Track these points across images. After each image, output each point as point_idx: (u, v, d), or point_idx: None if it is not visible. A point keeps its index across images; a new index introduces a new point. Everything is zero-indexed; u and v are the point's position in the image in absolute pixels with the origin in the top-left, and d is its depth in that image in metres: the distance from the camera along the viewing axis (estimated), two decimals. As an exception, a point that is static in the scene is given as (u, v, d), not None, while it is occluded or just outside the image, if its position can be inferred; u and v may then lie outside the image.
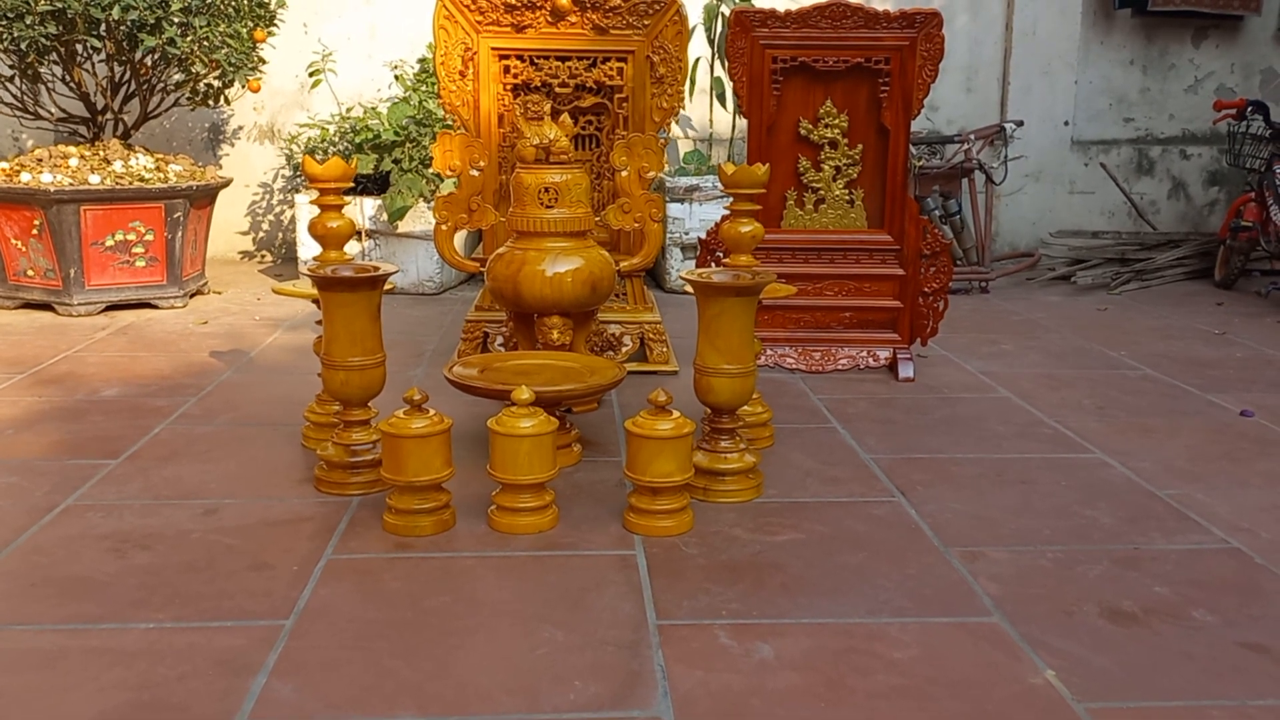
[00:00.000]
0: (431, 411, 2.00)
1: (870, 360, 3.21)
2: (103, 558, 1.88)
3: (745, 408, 2.36)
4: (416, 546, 1.94)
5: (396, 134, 4.25)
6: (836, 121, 3.12)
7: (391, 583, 1.80)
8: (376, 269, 2.16)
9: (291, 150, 4.94)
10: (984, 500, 2.20)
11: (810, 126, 3.13)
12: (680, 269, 4.59)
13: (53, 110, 4.26)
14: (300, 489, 2.22)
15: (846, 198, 3.17)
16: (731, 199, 2.54)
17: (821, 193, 3.18)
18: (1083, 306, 4.38)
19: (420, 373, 3.20)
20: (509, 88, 3.17)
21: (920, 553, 1.94)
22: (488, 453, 2.41)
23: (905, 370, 3.14)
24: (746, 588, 1.79)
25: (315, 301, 2.43)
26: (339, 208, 2.44)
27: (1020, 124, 4.86)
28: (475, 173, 2.77)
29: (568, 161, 2.65)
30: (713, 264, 3.18)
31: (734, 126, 4.86)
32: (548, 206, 2.60)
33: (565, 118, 2.75)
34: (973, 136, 4.68)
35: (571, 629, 1.64)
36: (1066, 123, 5.37)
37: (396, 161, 4.27)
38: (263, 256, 5.37)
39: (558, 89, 3.17)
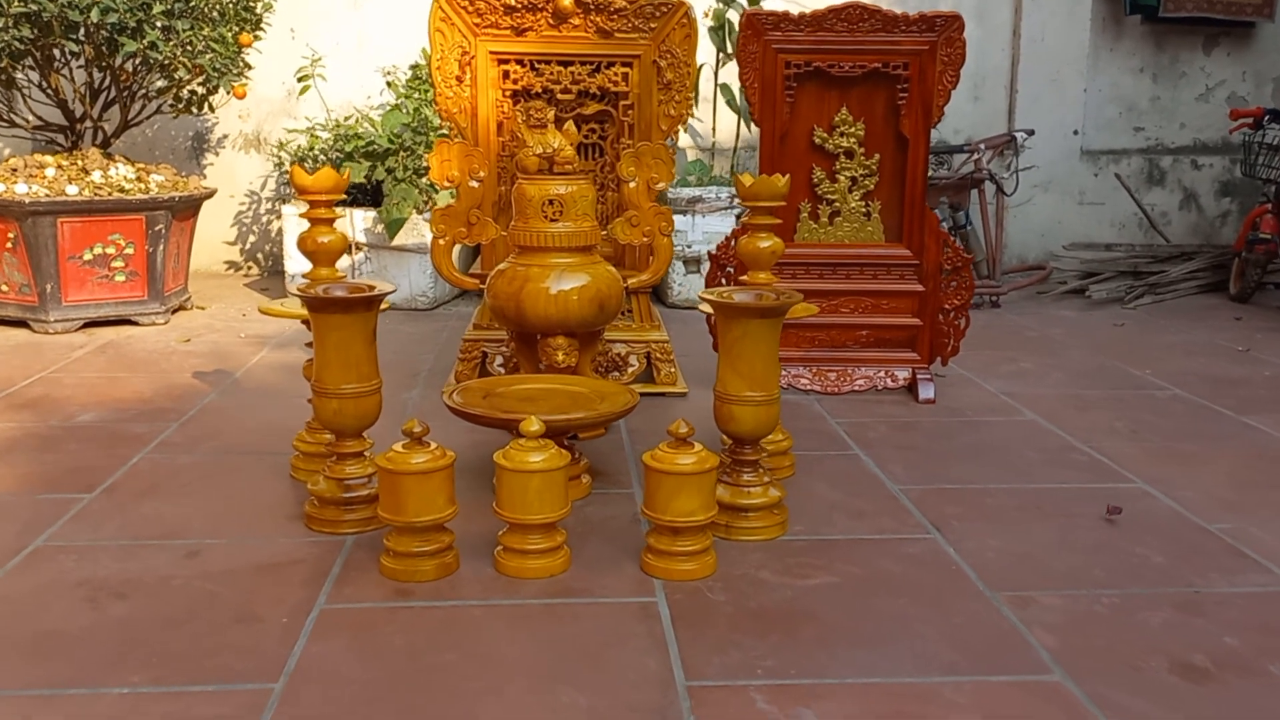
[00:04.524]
0: (433, 445, 1.84)
1: (888, 381, 3.06)
2: (75, 609, 1.71)
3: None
4: (417, 593, 1.78)
5: (390, 142, 4.09)
6: (852, 130, 2.98)
7: (392, 636, 1.64)
8: (372, 288, 2.01)
9: (280, 157, 4.77)
10: (1025, 536, 2.05)
11: (825, 135, 2.99)
12: (682, 283, 4.45)
13: (29, 118, 4.08)
14: (290, 527, 2.06)
15: (863, 210, 3.03)
16: (746, 211, 2.39)
17: (837, 205, 3.03)
18: (1098, 321, 4.24)
19: (416, 395, 3.04)
20: (508, 94, 3.02)
21: (964, 598, 1.78)
22: (491, 484, 2.26)
23: (925, 391, 2.99)
24: (780, 640, 1.63)
25: (305, 322, 2.27)
26: (330, 221, 2.28)
27: (1031, 133, 4.73)
28: (475, 184, 2.62)
29: (573, 172, 2.50)
30: (723, 280, 3.03)
31: (738, 135, 4.72)
32: (552, 220, 2.45)
33: (570, 125, 2.60)
34: (982, 146, 4.55)
35: (593, 691, 1.49)
36: (1076, 132, 5.24)
37: (390, 171, 4.11)
38: (249, 269, 5.20)
39: (559, 95, 3.02)
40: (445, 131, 4.13)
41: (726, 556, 1.92)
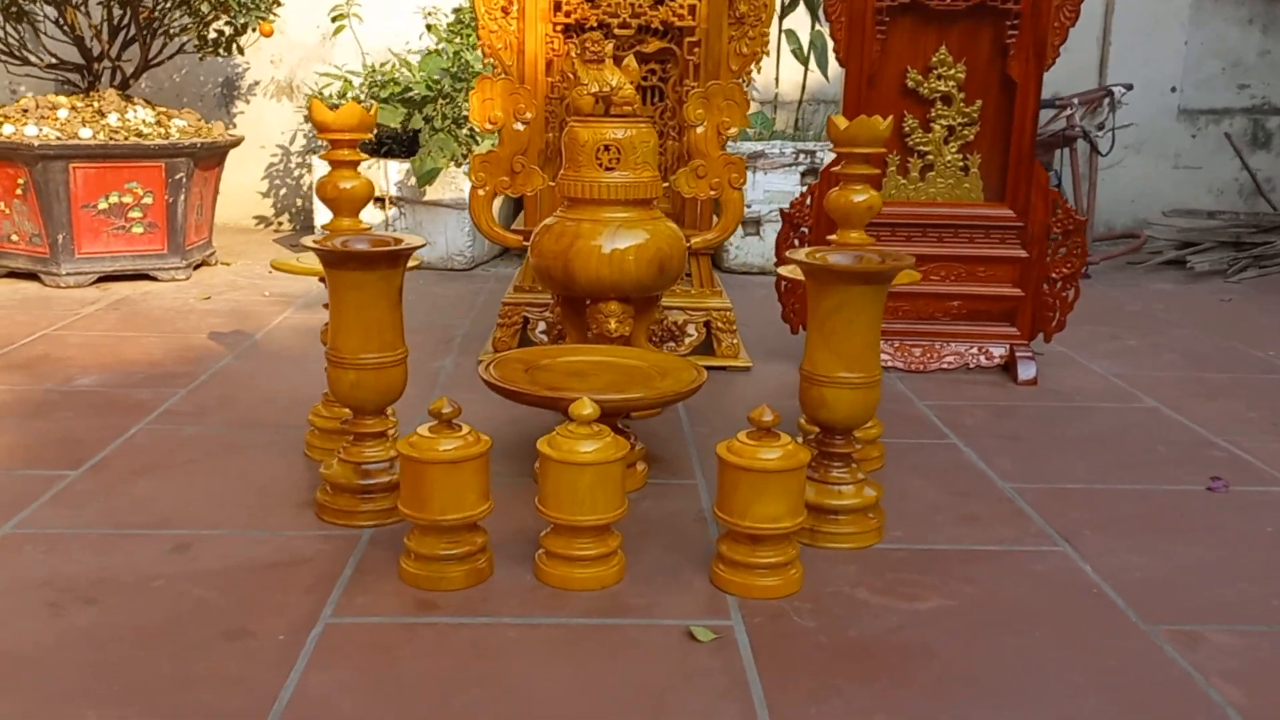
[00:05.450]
0: (464, 428, 1.53)
1: (982, 359, 2.70)
2: (34, 616, 1.42)
3: (857, 423, 1.86)
4: (442, 605, 1.48)
5: (428, 88, 3.77)
6: (952, 72, 2.60)
7: (409, 663, 1.33)
8: (399, 241, 1.69)
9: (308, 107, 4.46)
10: (1174, 553, 1.70)
11: (919, 78, 2.62)
12: (740, 246, 4.10)
13: (43, 56, 3.81)
14: (299, 516, 1.76)
15: (960, 164, 2.66)
16: (825, 162, 2.04)
17: (930, 158, 2.67)
18: (1200, 296, 3.84)
19: (449, 363, 2.73)
20: (559, 28, 2.68)
21: (1115, 633, 1.44)
22: (533, 470, 1.96)
23: (1026, 371, 2.63)
24: (890, 685, 1.31)
25: (322, 279, 1.96)
26: (354, 164, 1.97)
27: (1130, 88, 4.29)
28: (520, 126, 2.29)
29: (633, 114, 2.16)
30: (797, 242, 2.68)
31: (804, 88, 4.34)
32: (607, 168, 2.12)
33: (630, 60, 2.26)
34: (1075, 101, 4.13)
35: (658, 752, 1.17)
36: (1174, 89, 4.79)
37: (427, 119, 3.79)
38: (279, 224, 4.92)
39: (617, 30, 2.67)
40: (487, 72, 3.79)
41: (813, 568, 1.60)
